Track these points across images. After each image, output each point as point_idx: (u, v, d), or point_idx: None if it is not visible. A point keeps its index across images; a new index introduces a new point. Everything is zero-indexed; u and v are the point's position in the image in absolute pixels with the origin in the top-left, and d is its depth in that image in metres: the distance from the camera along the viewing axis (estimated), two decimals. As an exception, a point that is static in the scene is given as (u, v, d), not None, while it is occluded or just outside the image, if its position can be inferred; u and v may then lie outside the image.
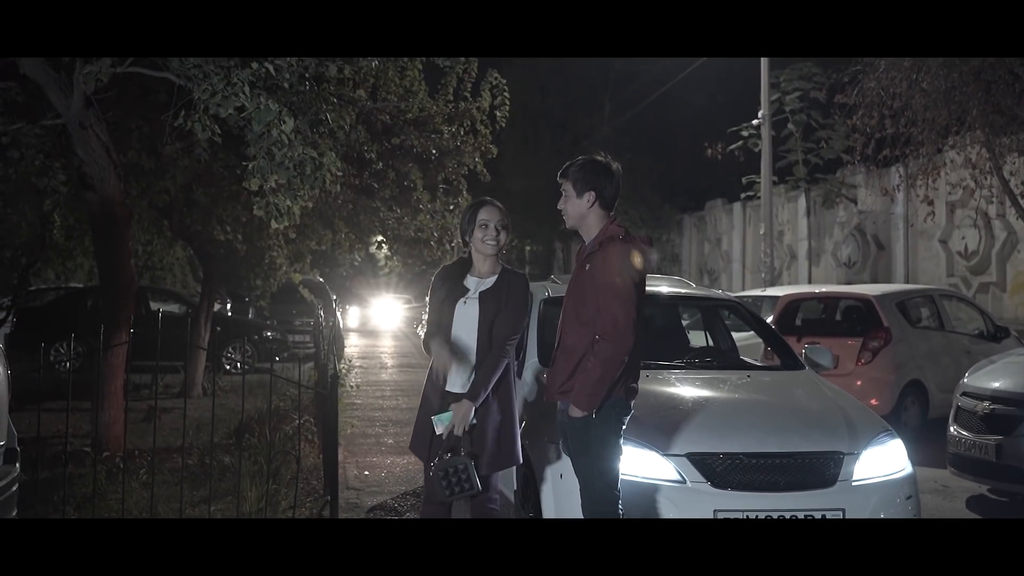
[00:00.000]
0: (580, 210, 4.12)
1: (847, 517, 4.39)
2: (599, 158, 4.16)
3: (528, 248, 42.87)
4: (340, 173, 7.64)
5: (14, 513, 4.09)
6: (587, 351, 3.97)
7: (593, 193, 4.08)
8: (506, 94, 10.50)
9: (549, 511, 4.63)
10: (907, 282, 17.87)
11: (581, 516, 4.40)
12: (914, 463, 4.88)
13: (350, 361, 19.51)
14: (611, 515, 3.97)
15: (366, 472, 8.32)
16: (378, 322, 41.44)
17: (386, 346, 27.83)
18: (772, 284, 18.49)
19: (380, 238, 12.78)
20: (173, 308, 16.79)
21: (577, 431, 4.01)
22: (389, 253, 13.71)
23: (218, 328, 15.25)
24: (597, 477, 3.99)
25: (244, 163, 6.55)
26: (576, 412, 3.98)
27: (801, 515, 4.34)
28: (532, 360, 5.64)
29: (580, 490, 4.05)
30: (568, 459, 4.53)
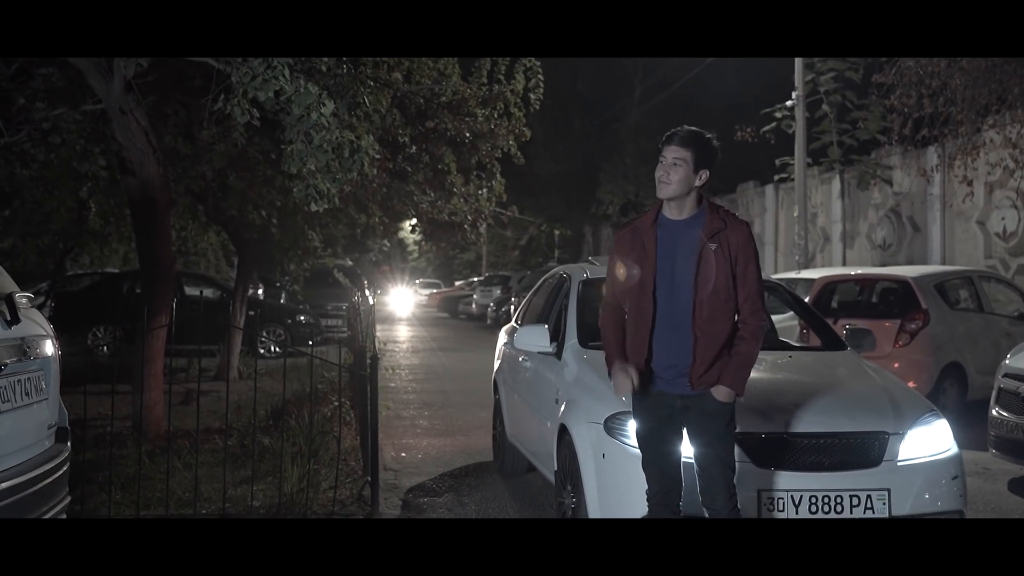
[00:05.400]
0: (690, 184, 3.89)
1: (892, 497, 4.37)
2: (714, 138, 3.98)
3: (558, 233, 42.75)
4: (378, 156, 7.66)
5: (65, 492, 4.15)
6: (730, 333, 3.87)
7: (707, 172, 3.92)
8: (540, 76, 10.46)
9: (591, 490, 4.64)
10: (943, 264, 17.65)
11: (617, 494, 4.42)
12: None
13: (383, 345, 19.61)
14: (736, 500, 3.91)
15: (403, 454, 8.37)
16: (394, 308, 41.67)
17: (408, 333, 27.93)
18: (806, 267, 18.33)
19: (414, 222, 12.81)
20: (207, 293, 16.94)
21: (723, 417, 3.87)
22: (422, 237, 13.73)
23: (250, 312, 15.38)
24: (733, 460, 3.92)
25: (280, 147, 6.58)
26: (728, 397, 3.84)
27: (846, 495, 4.33)
28: (572, 341, 5.65)
29: (712, 479, 3.87)
30: (613, 440, 4.55)
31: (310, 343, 16.54)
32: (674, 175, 3.87)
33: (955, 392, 9.92)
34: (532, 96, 10.52)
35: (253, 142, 8.94)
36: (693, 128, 3.96)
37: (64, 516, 4.10)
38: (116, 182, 9.61)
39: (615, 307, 4.07)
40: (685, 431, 4.00)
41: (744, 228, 3.94)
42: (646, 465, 4.00)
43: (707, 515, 3.93)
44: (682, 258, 3.88)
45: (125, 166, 7.96)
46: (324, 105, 5.80)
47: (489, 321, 27.84)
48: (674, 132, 3.94)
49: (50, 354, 4.09)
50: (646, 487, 4.03)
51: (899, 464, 4.49)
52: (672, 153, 3.88)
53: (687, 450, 4.00)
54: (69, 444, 4.24)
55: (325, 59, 6.29)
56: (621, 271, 3.99)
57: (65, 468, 4.09)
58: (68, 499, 4.19)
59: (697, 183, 3.91)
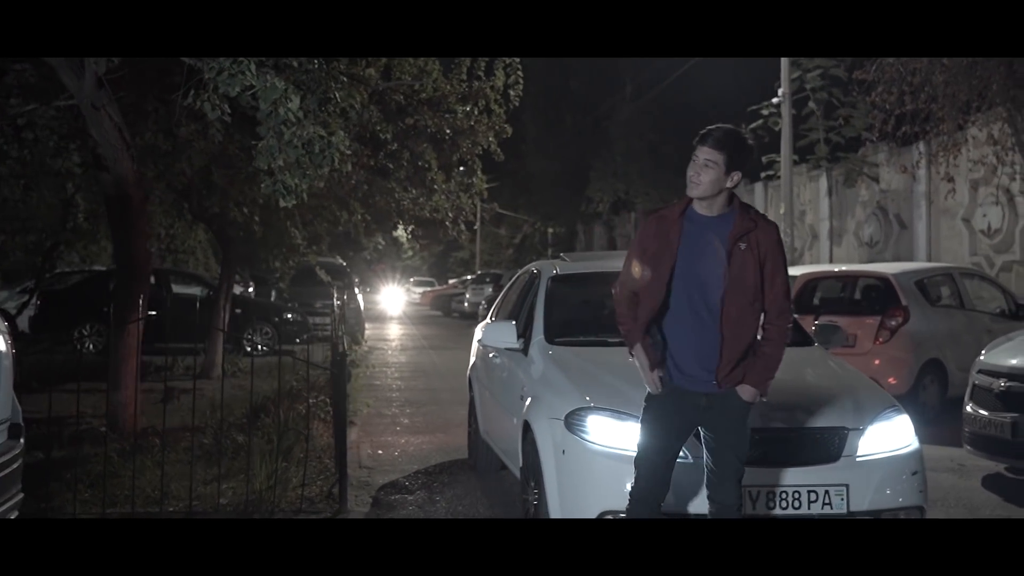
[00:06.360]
0: (721, 185, 3.77)
1: (851, 492, 4.36)
2: (750, 137, 3.90)
3: (551, 231, 42.76)
4: (350, 152, 7.64)
5: (18, 489, 4.13)
6: (756, 333, 3.84)
7: (739, 174, 3.80)
8: (519, 73, 10.44)
9: (551, 486, 4.62)
10: (930, 261, 17.67)
11: (581, 490, 4.41)
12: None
13: (366, 342, 19.59)
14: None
15: (379, 451, 8.35)
16: (385, 307, 41.57)
17: (398, 331, 27.92)
18: (793, 264, 18.34)
19: (396, 219, 12.80)
20: (195, 291, 16.91)
21: (744, 416, 3.87)
22: (407, 234, 13.73)
23: (238, 310, 15.34)
24: (745, 458, 3.94)
25: (253, 143, 6.56)
26: (753, 397, 3.83)
27: (804, 490, 4.32)
28: (539, 337, 5.63)
29: (727, 475, 3.88)
30: (573, 436, 4.54)
31: (297, 341, 16.60)
32: (704, 176, 3.78)
33: (935, 389, 9.92)
34: (512, 93, 10.50)
35: (233, 139, 8.91)
36: (728, 128, 3.84)
37: (16, 513, 4.09)
38: (97, 178, 9.57)
39: (629, 286, 4.00)
40: (695, 431, 4.00)
41: (774, 229, 3.89)
42: (640, 460, 3.95)
43: (712, 508, 3.94)
44: (708, 255, 3.82)
45: (100, 162, 7.93)
46: (290, 100, 5.78)
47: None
48: (708, 132, 3.82)
49: (3, 350, 4.06)
50: (631, 482, 3.98)
51: (858, 459, 4.47)
52: (704, 154, 3.78)
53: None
54: (22, 441, 4.22)
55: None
56: (640, 259, 3.93)
57: (17, 464, 4.07)
58: (21, 496, 4.17)
59: (728, 184, 3.81)
